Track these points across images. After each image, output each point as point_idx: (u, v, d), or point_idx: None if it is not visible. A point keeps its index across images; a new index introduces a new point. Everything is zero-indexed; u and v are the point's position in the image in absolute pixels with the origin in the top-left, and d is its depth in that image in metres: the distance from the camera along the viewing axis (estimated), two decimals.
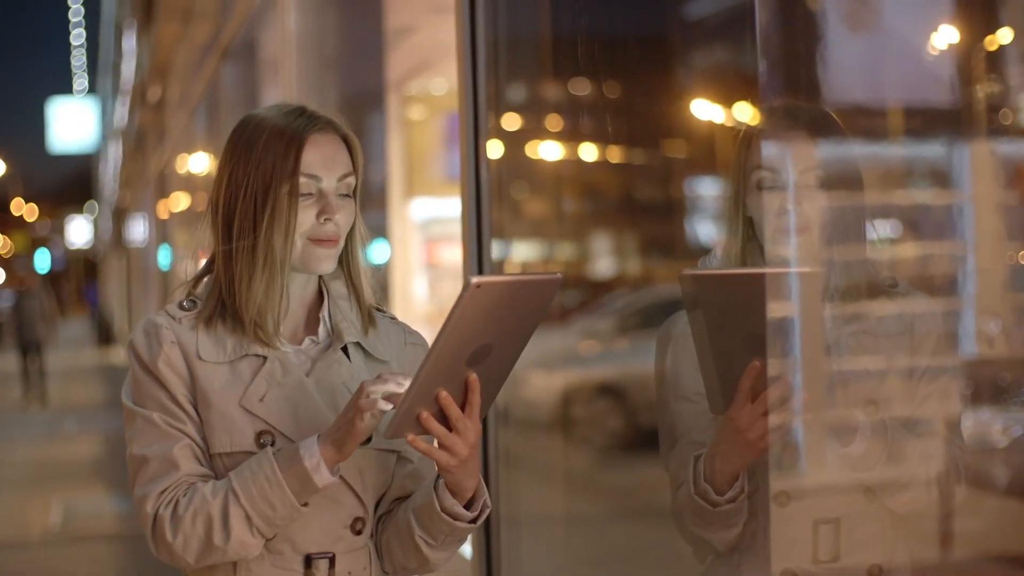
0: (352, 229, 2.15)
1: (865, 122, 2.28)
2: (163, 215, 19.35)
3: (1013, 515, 2.20)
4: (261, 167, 2.07)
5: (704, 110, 4.50)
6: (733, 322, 2.05)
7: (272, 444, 2.06)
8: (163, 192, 19.41)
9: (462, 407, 1.95)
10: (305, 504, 2.02)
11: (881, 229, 2.28)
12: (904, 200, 2.31)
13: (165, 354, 2.09)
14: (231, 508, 2.01)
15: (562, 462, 6.62)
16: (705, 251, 2.42)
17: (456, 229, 3.86)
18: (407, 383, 1.93)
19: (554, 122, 5.76)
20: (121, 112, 30.56)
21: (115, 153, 36.48)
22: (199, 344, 2.10)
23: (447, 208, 9.41)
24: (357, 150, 2.14)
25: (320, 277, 2.18)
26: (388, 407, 1.93)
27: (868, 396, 2.21)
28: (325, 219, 2.08)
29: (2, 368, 22.81)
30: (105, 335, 31.63)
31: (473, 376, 1.93)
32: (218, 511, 2.01)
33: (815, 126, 2.26)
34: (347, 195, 2.12)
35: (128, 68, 24.68)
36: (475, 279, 1.83)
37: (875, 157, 2.30)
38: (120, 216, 36.80)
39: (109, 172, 41.66)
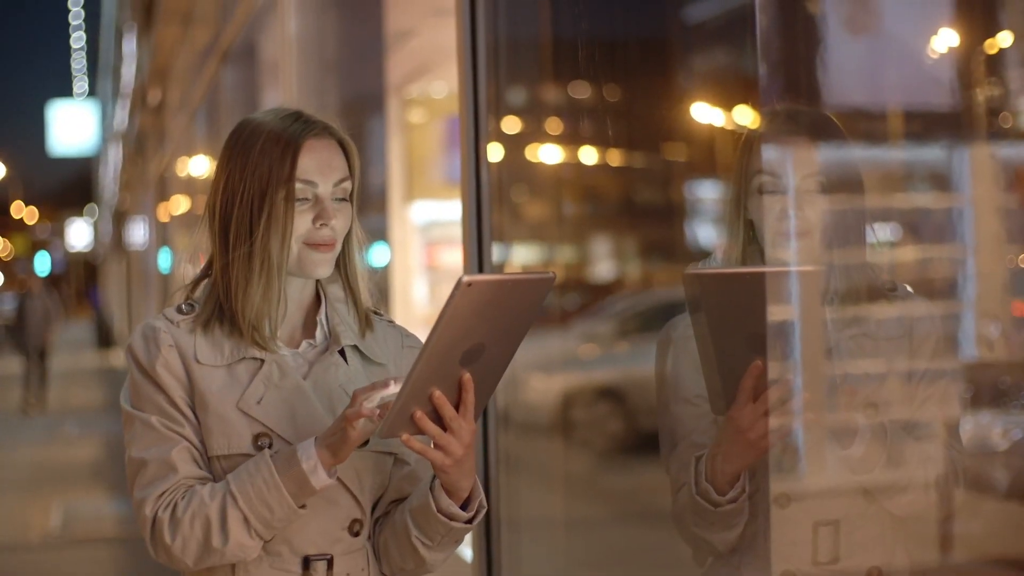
0: (349, 233, 2.16)
1: (865, 125, 2.28)
2: (163, 218, 19.35)
3: (1013, 518, 2.20)
4: (257, 172, 2.08)
5: (704, 113, 4.48)
6: (736, 321, 2.05)
7: (270, 446, 2.07)
8: (163, 195, 19.40)
9: (456, 407, 1.95)
10: (303, 506, 2.03)
11: (881, 232, 2.28)
12: (904, 203, 2.32)
13: (163, 358, 2.10)
14: (229, 510, 2.02)
15: (562, 465, 6.61)
16: (705, 254, 2.43)
17: (456, 232, 3.86)
18: (399, 386, 1.93)
19: (554, 125, 5.75)
20: (121, 115, 30.57)
21: (115, 156, 36.49)
22: (197, 347, 2.11)
23: (447, 211, 9.39)
24: (353, 154, 2.15)
25: (317, 281, 2.19)
26: (377, 412, 1.93)
27: (868, 399, 2.21)
28: (321, 224, 2.09)
29: (2, 371, 22.75)
30: (105, 338, 31.59)
31: (467, 375, 1.93)
32: (216, 513, 2.02)
33: (816, 130, 2.26)
34: (343, 199, 2.13)
35: (128, 71, 24.69)
36: (466, 277, 1.83)
37: (875, 161, 2.30)
38: (120, 219, 36.80)
39: (109, 175, 41.67)
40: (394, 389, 1.94)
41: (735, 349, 2.07)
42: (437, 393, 1.92)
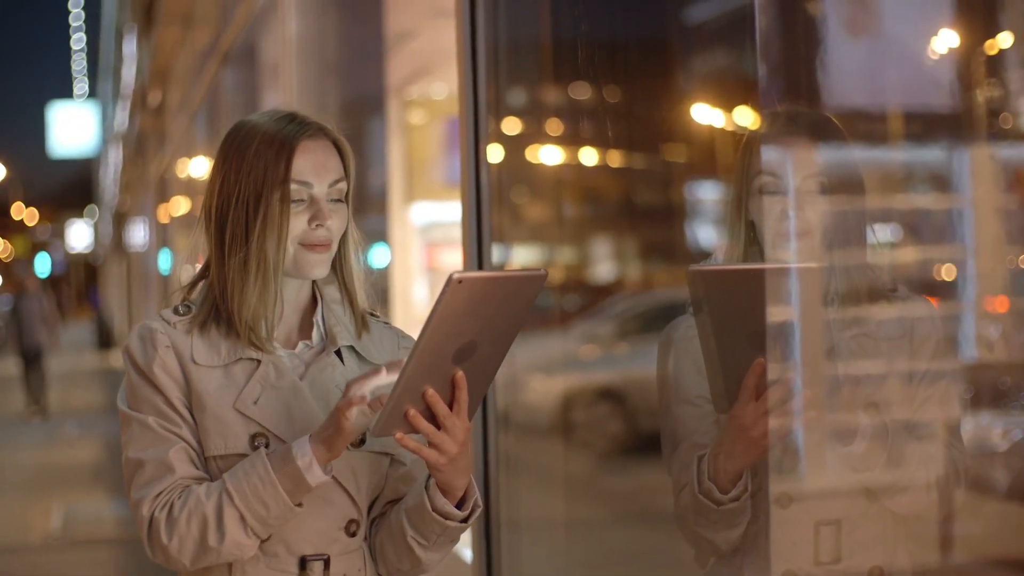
0: (345, 234, 2.16)
1: (865, 126, 2.28)
2: (163, 219, 19.33)
3: (1013, 519, 2.20)
4: (252, 174, 2.09)
5: (704, 114, 4.47)
6: (739, 319, 2.05)
7: (266, 446, 2.08)
8: (163, 196, 19.38)
9: (450, 405, 1.95)
10: (299, 504, 2.04)
11: (881, 233, 2.28)
12: (904, 204, 2.32)
13: (160, 358, 2.10)
14: (225, 508, 2.02)
15: (562, 466, 6.60)
16: (705, 255, 2.43)
17: (456, 233, 3.85)
18: (392, 374, 1.94)
19: (554, 126, 5.71)
20: (121, 116, 30.58)
21: (115, 157, 36.50)
22: (193, 348, 2.11)
23: (447, 212, 9.39)
24: (348, 155, 2.15)
25: (314, 282, 2.20)
26: (369, 399, 1.94)
27: (869, 399, 2.21)
28: (317, 225, 2.10)
29: (2, 373, 22.72)
30: (105, 339, 31.57)
31: (460, 373, 1.93)
32: (213, 512, 2.03)
33: (816, 131, 2.26)
34: (339, 200, 2.13)
35: (128, 72, 24.70)
36: (456, 274, 1.83)
37: (875, 161, 2.30)
38: (120, 220, 36.80)
39: (109, 176, 41.69)
40: (386, 378, 1.95)
41: (738, 347, 2.07)
42: (430, 391, 1.92)
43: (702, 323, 2.11)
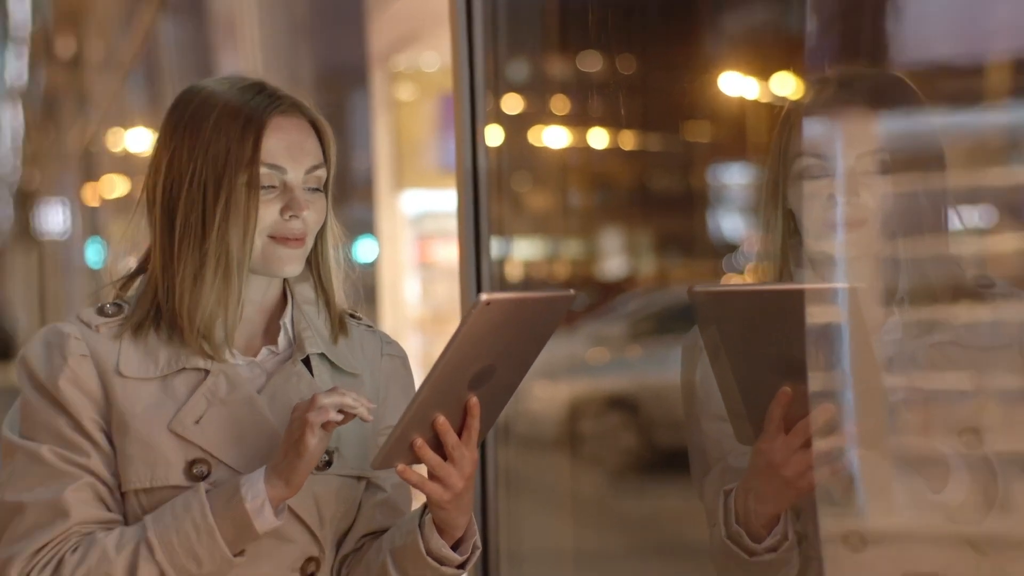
0: (323, 227, 2.07)
1: (951, 84, 2.13)
2: (92, 202, 18.85)
3: None
4: (211, 152, 1.97)
5: (735, 84, 4.44)
6: (757, 344, 1.95)
7: (207, 476, 1.93)
8: (90, 174, 18.83)
9: (458, 432, 1.90)
10: (240, 553, 1.89)
11: (969, 217, 2.14)
12: (1002, 180, 2.17)
13: (70, 370, 1.95)
14: (141, 564, 1.86)
15: (569, 486, 6.62)
16: (730, 248, 2.31)
17: (451, 224, 3.80)
18: (364, 402, 1.90)
19: (561, 104, 5.81)
20: (17, 66, 29.37)
21: (12, 119, 34.87)
22: (121, 357, 1.97)
23: (441, 201, 9.52)
24: (328, 137, 2.06)
25: (284, 280, 2.09)
26: (340, 418, 1.86)
27: (963, 424, 2.06)
28: (290, 216, 1.99)
29: None
30: (5, 348, 30.06)
31: (473, 399, 1.90)
32: (123, 570, 1.86)
33: (879, 96, 2.13)
34: (317, 189, 2.03)
35: (20, 7, 23.71)
36: (485, 296, 1.80)
37: (963, 127, 2.16)
38: (26, 200, 35.20)
39: (4, 143, 40.18)
40: (355, 403, 1.87)
41: (759, 373, 1.97)
42: (441, 419, 1.89)
43: (712, 347, 2.00)
